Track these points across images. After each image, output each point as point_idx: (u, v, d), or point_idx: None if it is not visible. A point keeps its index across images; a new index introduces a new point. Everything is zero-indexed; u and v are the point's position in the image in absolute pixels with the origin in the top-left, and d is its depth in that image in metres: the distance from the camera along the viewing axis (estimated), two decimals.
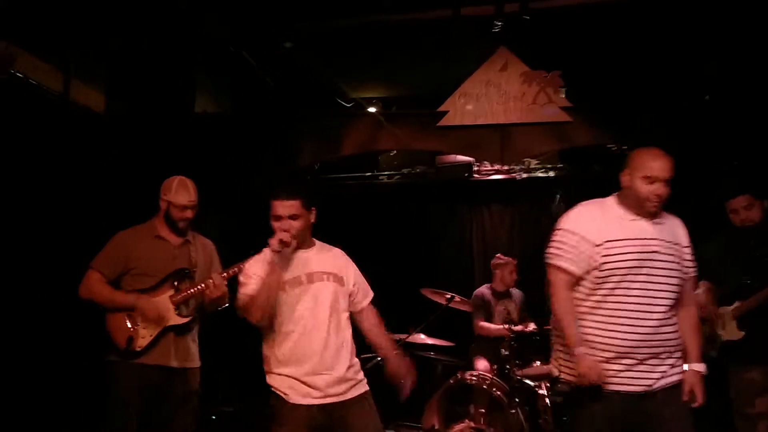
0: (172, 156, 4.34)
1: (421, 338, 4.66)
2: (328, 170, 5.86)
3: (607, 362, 2.41)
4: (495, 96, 4.48)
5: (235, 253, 3.23)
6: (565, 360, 2.53)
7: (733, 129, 4.20)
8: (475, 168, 5.76)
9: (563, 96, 4.46)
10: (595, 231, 2.47)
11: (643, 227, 2.47)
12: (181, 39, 4.52)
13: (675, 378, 2.48)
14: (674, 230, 2.54)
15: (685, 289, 2.55)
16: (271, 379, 2.57)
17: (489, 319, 4.88)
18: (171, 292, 3.08)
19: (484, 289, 5.04)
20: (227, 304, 3.15)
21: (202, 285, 3.06)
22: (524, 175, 5.72)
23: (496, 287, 5.04)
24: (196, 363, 3.19)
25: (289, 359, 2.52)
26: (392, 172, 6.17)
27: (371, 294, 2.76)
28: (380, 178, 6.16)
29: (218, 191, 4.97)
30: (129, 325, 3.01)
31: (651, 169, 2.42)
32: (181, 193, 3.12)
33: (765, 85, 4.11)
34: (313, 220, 2.64)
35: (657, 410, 2.44)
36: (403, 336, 4.47)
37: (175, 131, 4.70)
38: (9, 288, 3.51)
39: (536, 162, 5.56)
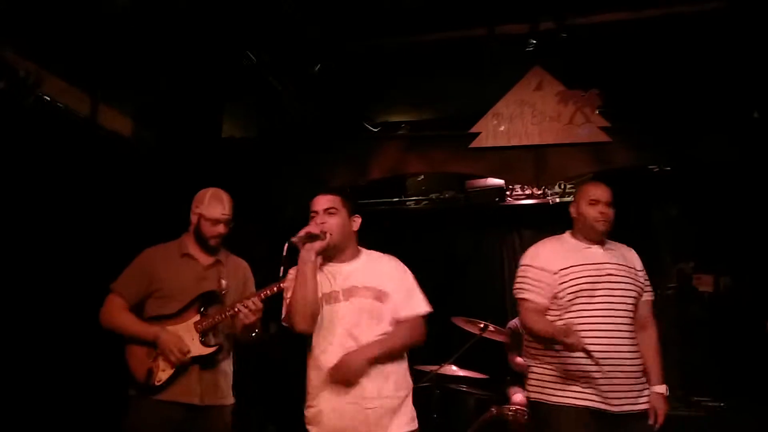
0: (199, 181, 4.27)
1: (453, 370, 4.45)
2: (355, 196, 5.74)
3: (576, 380, 2.60)
4: (529, 116, 4.35)
5: (264, 280, 3.07)
6: (534, 380, 2.74)
7: None
8: (507, 192, 5.60)
9: (601, 116, 4.31)
10: (552, 261, 2.75)
11: (595, 253, 2.76)
12: (208, 64, 4.50)
13: (643, 405, 2.64)
14: (626, 255, 2.81)
15: (643, 312, 2.79)
16: (305, 410, 2.36)
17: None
18: (196, 317, 2.74)
19: (518, 320, 4.83)
20: (260, 332, 2.82)
21: (234, 309, 2.68)
22: (558, 200, 5.53)
23: None
24: (227, 400, 2.83)
25: (320, 386, 2.30)
26: (420, 198, 6.04)
27: (417, 309, 2.42)
28: (407, 203, 6.03)
29: (245, 217, 4.92)
30: (148, 356, 2.70)
31: (594, 193, 2.79)
32: (214, 205, 2.82)
33: None
34: (355, 228, 2.46)
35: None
36: (433, 368, 4.28)
37: (202, 157, 4.65)
38: (33, 314, 3.42)
39: (570, 186, 5.37)
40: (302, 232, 2.29)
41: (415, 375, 4.18)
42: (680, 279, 4.84)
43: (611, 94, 4.37)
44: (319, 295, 2.36)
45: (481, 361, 4.66)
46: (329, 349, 2.30)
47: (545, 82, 4.40)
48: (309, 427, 2.33)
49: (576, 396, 2.59)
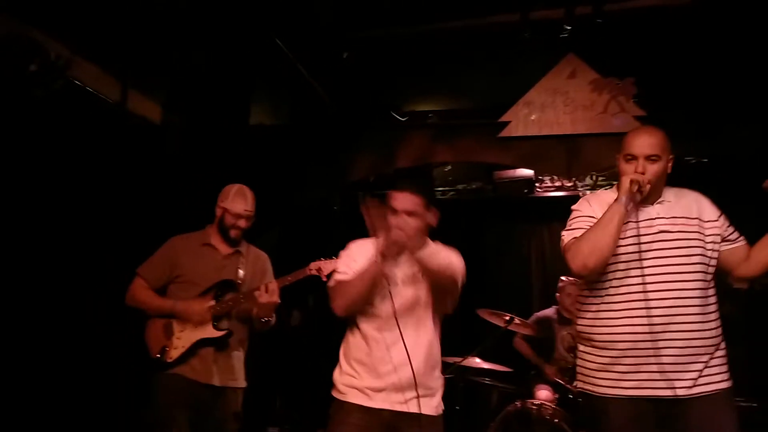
0: (227, 168, 4.27)
1: (477, 362, 4.39)
2: (382, 185, 5.71)
3: (626, 365, 2.21)
4: (561, 105, 4.23)
5: (289, 265, 3.09)
6: (580, 366, 2.40)
7: None
8: (536, 184, 5.50)
9: (636, 105, 4.17)
10: (600, 211, 2.32)
11: (644, 209, 2.30)
12: (237, 52, 4.48)
13: (715, 385, 2.20)
14: (691, 206, 2.33)
15: (734, 257, 2.31)
16: (338, 378, 2.45)
17: (551, 343, 4.59)
18: (212, 303, 2.94)
19: (549, 311, 4.76)
20: (273, 321, 3.00)
21: (252, 293, 2.86)
22: (588, 192, 5.40)
23: (562, 312, 4.76)
24: (240, 383, 3.01)
25: (363, 363, 2.38)
26: (446, 188, 5.97)
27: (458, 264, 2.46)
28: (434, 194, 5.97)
29: (272, 203, 4.92)
30: (164, 335, 2.91)
31: (630, 146, 2.31)
32: (238, 201, 3.02)
33: None
34: (433, 223, 2.42)
35: (689, 423, 2.17)
36: (457, 359, 4.23)
37: (231, 143, 4.65)
38: (60, 295, 3.48)
39: (602, 178, 5.24)
40: (390, 242, 2.26)
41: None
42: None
43: (647, 83, 4.22)
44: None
45: (506, 354, 4.61)
46: (387, 328, 2.37)
47: (579, 69, 4.28)
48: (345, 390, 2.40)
49: (627, 385, 2.21)
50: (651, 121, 4.16)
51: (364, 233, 2.42)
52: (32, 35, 3.25)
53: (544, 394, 4.30)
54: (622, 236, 2.28)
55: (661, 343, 2.18)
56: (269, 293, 2.81)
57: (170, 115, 4.58)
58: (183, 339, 2.89)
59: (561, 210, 5.72)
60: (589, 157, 4.31)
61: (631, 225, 2.28)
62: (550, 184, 5.51)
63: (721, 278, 2.38)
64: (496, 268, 6.04)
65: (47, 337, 3.42)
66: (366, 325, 2.40)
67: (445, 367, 4.08)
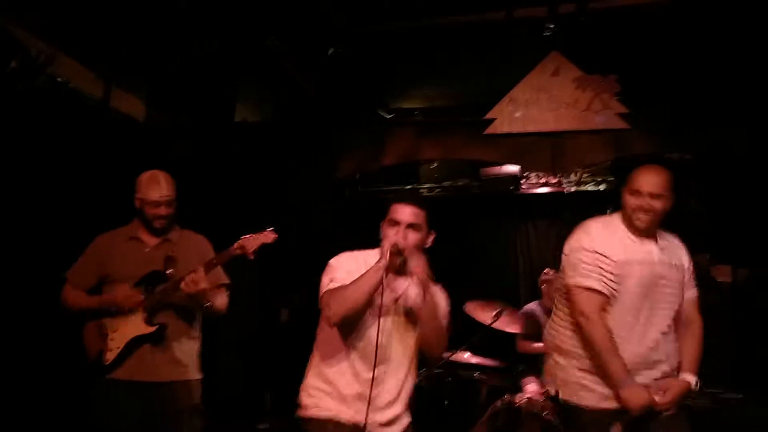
0: (211, 165, 4.26)
1: (465, 357, 4.42)
2: (368, 182, 5.72)
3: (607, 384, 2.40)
4: (545, 102, 4.26)
5: (273, 262, 3.05)
6: (564, 378, 2.53)
7: None
8: (521, 181, 5.53)
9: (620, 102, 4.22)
10: (611, 248, 2.45)
11: (650, 250, 2.46)
12: (222, 48, 4.46)
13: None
14: (677, 252, 2.54)
15: (688, 309, 2.55)
16: (308, 398, 2.30)
17: (537, 337, 4.62)
18: (141, 297, 2.79)
19: (533, 305, 4.79)
20: (216, 307, 2.84)
21: (173, 282, 2.72)
22: (573, 189, 5.45)
23: (546, 304, 4.79)
24: (191, 375, 2.87)
25: (347, 382, 2.27)
26: (433, 185, 5.98)
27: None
28: (420, 191, 5.99)
29: (257, 200, 4.91)
30: (100, 337, 2.80)
31: (637, 182, 2.44)
32: (152, 188, 2.83)
33: None
34: (428, 245, 2.31)
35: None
36: (446, 354, 4.24)
37: (215, 140, 4.63)
38: (38, 293, 3.43)
39: (587, 174, 5.29)
40: (393, 245, 2.17)
41: (427, 361, 4.18)
42: (696, 271, 4.77)
43: (631, 80, 4.27)
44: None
45: (494, 348, 4.64)
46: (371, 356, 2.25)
47: (562, 67, 4.32)
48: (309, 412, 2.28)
49: (610, 397, 2.39)
50: (635, 117, 4.22)
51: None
52: (13, 31, 3.20)
53: (532, 387, 4.33)
54: (636, 272, 2.42)
55: (648, 373, 2.42)
56: (193, 281, 2.65)
57: (154, 112, 4.55)
58: (117, 339, 2.78)
59: (546, 206, 5.83)
60: (574, 154, 4.36)
61: (641, 265, 2.43)
62: (535, 181, 5.54)
63: (701, 273, 2.62)
64: (482, 265, 6.07)
65: (26, 337, 3.36)
66: (359, 355, 2.27)
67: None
